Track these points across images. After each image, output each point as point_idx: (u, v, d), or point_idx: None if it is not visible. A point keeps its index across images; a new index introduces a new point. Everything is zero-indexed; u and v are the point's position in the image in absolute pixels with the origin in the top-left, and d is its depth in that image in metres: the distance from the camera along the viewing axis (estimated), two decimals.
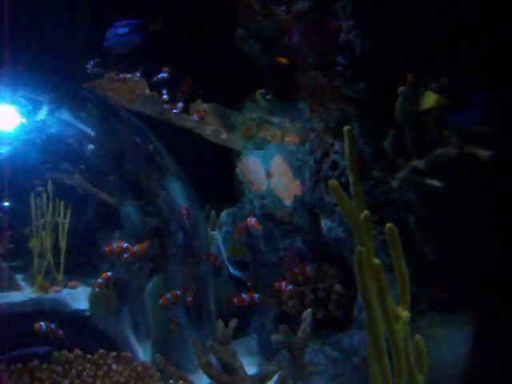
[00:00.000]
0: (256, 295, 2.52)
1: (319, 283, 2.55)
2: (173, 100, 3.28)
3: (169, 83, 3.31)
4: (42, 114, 2.70)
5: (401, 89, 1.90)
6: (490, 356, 1.96)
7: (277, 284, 2.54)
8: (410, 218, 2.15)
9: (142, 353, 2.66)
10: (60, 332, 2.53)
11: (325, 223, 2.46)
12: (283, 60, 2.63)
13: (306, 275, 2.50)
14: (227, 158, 3.03)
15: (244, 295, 2.51)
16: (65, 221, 3.38)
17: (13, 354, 2.61)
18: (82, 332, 2.81)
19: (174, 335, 2.64)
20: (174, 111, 3.08)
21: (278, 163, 2.38)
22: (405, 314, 1.19)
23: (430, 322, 2.08)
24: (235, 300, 2.53)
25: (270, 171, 2.48)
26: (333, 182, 1.16)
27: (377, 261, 1.14)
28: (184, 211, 2.68)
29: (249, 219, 2.68)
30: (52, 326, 2.54)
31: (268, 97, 2.91)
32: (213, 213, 3.47)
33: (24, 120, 2.71)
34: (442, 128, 1.85)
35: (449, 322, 2.05)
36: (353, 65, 2.18)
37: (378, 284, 1.15)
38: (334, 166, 2.39)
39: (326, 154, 2.43)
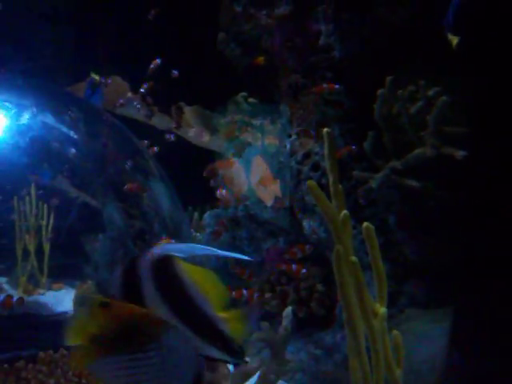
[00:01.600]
0: (256, 294, 2.49)
1: (301, 282, 2.58)
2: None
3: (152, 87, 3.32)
4: (26, 117, 2.71)
5: (379, 91, 1.94)
6: (467, 350, 2.00)
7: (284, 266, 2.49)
8: (390, 217, 2.19)
9: None
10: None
11: (306, 223, 2.50)
12: (260, 60, 2.66)
13: (304, 254, 2.49)
14: (210, 159, 3.06)
15: (244, 290, 2.48)
16: (48, 223, 3.38)
17: None
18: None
19: None
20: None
21: (258, 165, 2.41)
22: (382, 310, 1.22)
23: (410, 318, 2.12)
24: (233, 293, 2.50)
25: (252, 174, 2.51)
26: (311, 183, 1.18)
27: (354, 258, 1.17)
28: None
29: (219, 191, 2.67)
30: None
31: (250, 99, 2.93)
32: (196, 214, 3.48)
33: (7, 124, 2.72)
34: (419, 129, 1.90)
35: (428, 318, 2.09)
36: (332, 68, 2.23)
37: (355, 281, 1.18)
38: (315, 167, 2.43)
39: (307, 156, 2.47)
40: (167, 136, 2.96)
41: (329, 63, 2.25)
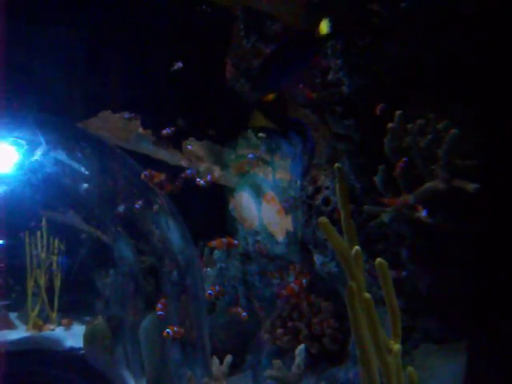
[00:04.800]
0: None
1: (313, 318, 2.56)
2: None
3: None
4: (38, 154, 2.73)
5: (389, 125, 1.94)
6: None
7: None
8: (402, 251, 2.18)
9: None
10: None
11: (318, 258, 2.49)
12: (271, 97, 2.68)
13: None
14: (220, 194, 3.06)
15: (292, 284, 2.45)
16: (59, 259, 3.40)
17: None
18: (76, 370, 2.80)
19: (169, 372, 2.63)
20: None
21: (269, 199, 2.41)
22: (396, 346, 1.21)
23: (425, 353, 2.09)
24: (284, 292, 2.47)
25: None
26: (323, 219, 1.18)
27: (367, 295, 1.16)
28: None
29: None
30: None
31: (260, 134, 2.95)
32: (207, 250, 3.48)
33: (20, 160, 2.74)
34: (430, 163, 1.89)
35: (443, 353, 2.06)
36: (341, 102, 2.23)
37: (369, 318, 1.17)
38: (326, 201, 2.43)
39: (317, 190, 2.46)
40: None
41: (338, 98, 2.25)
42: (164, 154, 3.32)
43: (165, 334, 2.45)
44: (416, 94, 2.02)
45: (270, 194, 2.43)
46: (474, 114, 1.92)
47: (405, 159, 1.92)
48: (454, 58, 2.00)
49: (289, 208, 2.56)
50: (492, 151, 1.92)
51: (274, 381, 1.73)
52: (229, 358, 1.86)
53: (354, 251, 1.23)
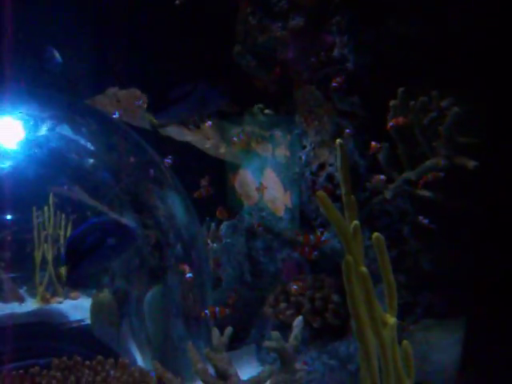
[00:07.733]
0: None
1: (316, 293, 2.58)
2: None
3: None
4: (44, 129, 2.74)
5: (391, 102, 1.95)
6: (480, 360, 1.99)
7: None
8: (405, 227, 2.19)
9: (142, 362, 2.69)
10: None
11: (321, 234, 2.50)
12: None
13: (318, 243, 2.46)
14: (224, 171, 3.07)
15: (311, 236, 2.44)
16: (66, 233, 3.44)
17: (14, 365, 2.64)
18: (82, 342, 2.84)
19: (173, 345, 2.67)
20: None
21: (269, 176, 2.42)
22: (392, 320, 1.22)
23: (425, 328, 2.11)
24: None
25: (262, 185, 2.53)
26: (320, 193, 1.19)
27: (363, 269, 1.17)
28: None
29: None
30: None
31: (266, 111, 2.95)
32: (212, 225, 3.50)
33: (26, 135, 2.75)
34: (432, 140, 1.90)
35: (442, 328, 2.08)
36: (346, 79, 2.24)
37: (365, 292, 1.18)
38: (330, 178, 2.44)
39: (321, 167, 2.47)
40: None
41: (343, 74, 2.26)
42: (171, 130, 3.33)
43: (203, 314, 2.47)
44: (420, 72, 2.02)
45: (269, 170, 2.43)
46: (477, 93, 1.92)
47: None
48: (458, 36, 2.00)
49: (290, 184, 2.57)
50: (493, 129, 1.92)
51: (273, 352, 1.76)
52: (229, 330, 1.88)
53: (352, 226, 1.24)
